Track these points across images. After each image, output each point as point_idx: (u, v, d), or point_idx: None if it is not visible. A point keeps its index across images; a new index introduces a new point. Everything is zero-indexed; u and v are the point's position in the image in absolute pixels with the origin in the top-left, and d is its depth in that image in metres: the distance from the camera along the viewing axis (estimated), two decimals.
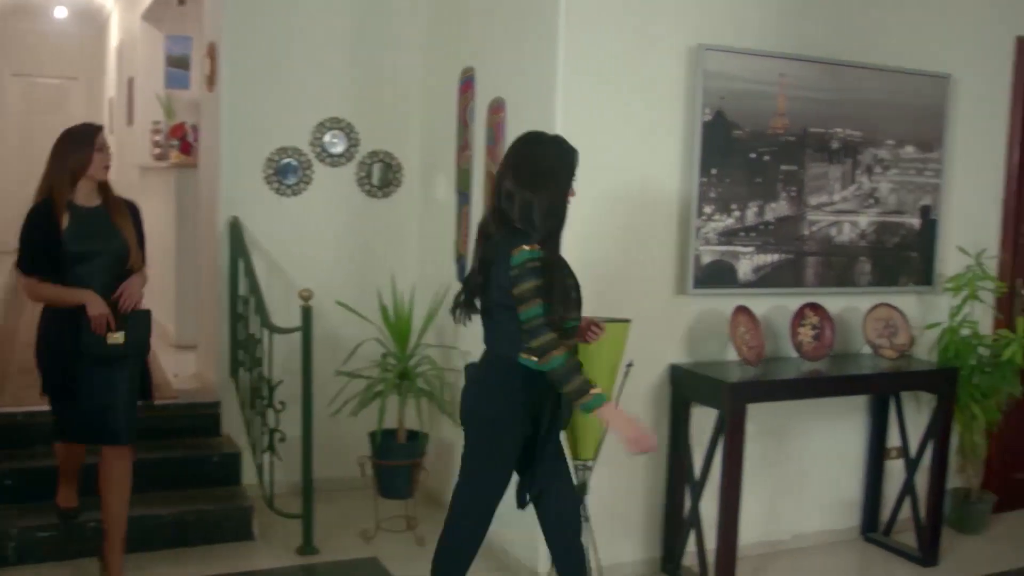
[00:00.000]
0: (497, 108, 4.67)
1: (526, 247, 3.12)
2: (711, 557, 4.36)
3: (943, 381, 4.78)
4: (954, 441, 5.16)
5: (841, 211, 4.82)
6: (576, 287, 3.35)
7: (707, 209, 4.44)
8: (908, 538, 5.03)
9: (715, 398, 4.28)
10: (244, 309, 5.15)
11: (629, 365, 4.01)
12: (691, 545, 4.52)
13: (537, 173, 3.21)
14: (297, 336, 4.62)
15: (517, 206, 3.19)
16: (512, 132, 4.52)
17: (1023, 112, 5.42)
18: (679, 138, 4.42)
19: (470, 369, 3.47)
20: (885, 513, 5.19)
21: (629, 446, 3.20)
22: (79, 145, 3.93)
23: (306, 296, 4.59)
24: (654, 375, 4.50)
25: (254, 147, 5.37)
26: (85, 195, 3.97)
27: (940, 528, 4.91)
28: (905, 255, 5.04)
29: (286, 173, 5.40)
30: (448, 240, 5.24)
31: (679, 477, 4.53)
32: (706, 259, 4.47)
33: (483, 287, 3.27)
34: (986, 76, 5.30)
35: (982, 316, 5.22)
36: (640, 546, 4.59)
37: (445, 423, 5.11)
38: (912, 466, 4.97)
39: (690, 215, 4.43)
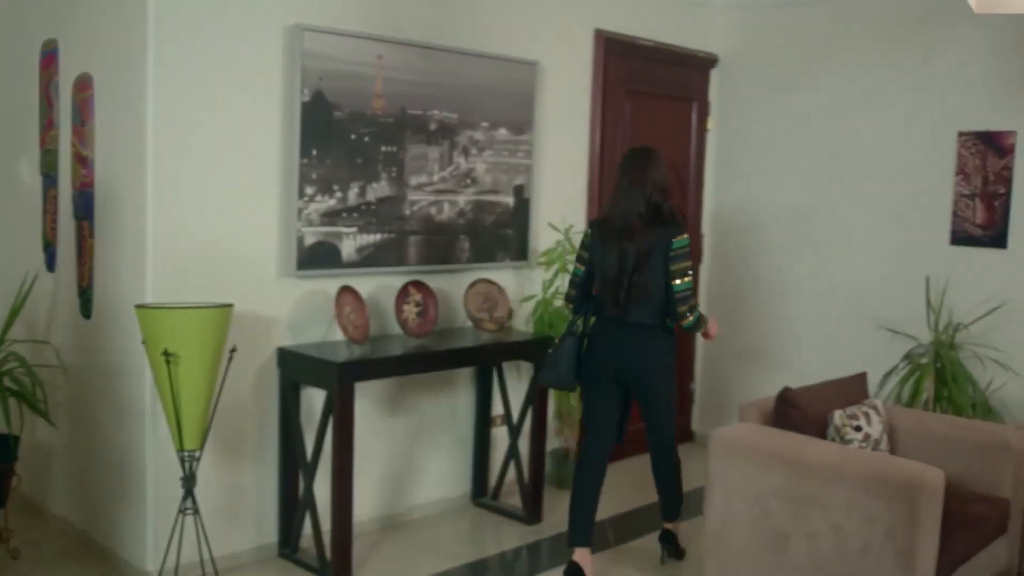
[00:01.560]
0: (84, 85, 4.39)
1: (683, 236, 4.19)
2: (328, 537, 4.38)
3: (539, 350, 5.08)
4: (552, 405, 5.52)
5: (440, 191, 4.98)
6: None
7: (309, 190, 4.42)
8: (515, 500, 5.31)
9: (323, 379, 4.29)
10: None
11: (232, 350, 3.93)
12: (308, 527, 4.51)
13: (667, 182, 4.34)
14: None
15: (666, 208, 4.24)
16: (102, 111, 4.28)
17: (603, 97, 5.87)
18: (278, 118, 4.37)
19: (620, 335, 4.30)
20: (493, 478, 5.45)
21: (712, 336, 4.50)
22: None
23: None
24: (261, 359, 4.43)
25: None
26: None
27: (542, 488, 5.23)
28: (502, 232, 5.31)
29: None
30: (33, 226, 4.86)
31: (291, 460, 4.51)
32: (309, 240, 4.45)
33: (642, 274, 4.16)
34: (570, 64, 5.69)
35: None
36: (255, 533, 4.52)
37: (40, 424, 4.74)
38: (515, 432, 5.25)
39: (292, 196, 4.40)
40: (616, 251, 4.21)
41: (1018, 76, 5.33)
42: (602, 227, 4.32)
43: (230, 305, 3.91)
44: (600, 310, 4.38)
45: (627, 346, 4.31)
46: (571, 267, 5.37)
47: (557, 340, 4.52)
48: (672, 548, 4.70)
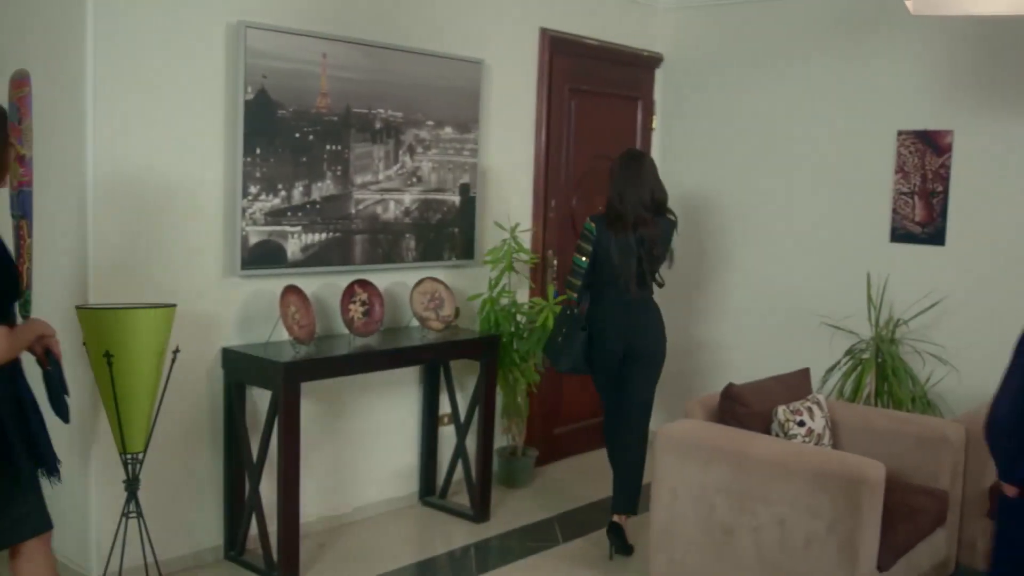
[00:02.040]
0: (20, 82, 4.31)
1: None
2: (274, 538, 4.35)
3: (486, 348, 5.09)
4: (499, 403, 5.53)
5: (386, 189, 4.96)
6: None
7: (253, 189, 4.39)
8: (463, 498, 5.31)
9: (269, 379, 4.26)
10: None
11: (176, 351, 3.89)
12: (254, 529, 4.47)
13: (659, 180, 4.80)
14: None
15: (664, 201, 4.73)
16: (40, 108, 4.21)
17: (548, 96, 5.89)
18: (221, 117, 4.33)
19: (632, 315, 4.74)
20: (441, 477, 5.45)
21: None
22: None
23: None
24: (205, 360, 4.39)
25: None
26: None
27: (490, 486, 5.23)
28: (448, 231, 5.30)
29: None
30: None
31: (237, 461, 4.47)
32: (254, 240, 4.42)
33: (654, 258, 4.68)
34: (516, 62, 5.70)
35: (518, 285, 5.62)
36: (201, 535, 4.48)
37: None
38: (462, 430, 5.25)
39: (236, 195, 4.36)
40: (633, 239, 4.62)
41: (953, 77, 5.43)
42: (611, 220, 4.66)
43: (173, 305, 3.88)
44: (605, 296, 4.74)
45: (643, 321, 4.77)
46: (517, 265, 5.41)
47: (563, 329, 4.77)
48: (620, 543, 4.73)
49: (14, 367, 2.96)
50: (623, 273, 4.65)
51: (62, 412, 3.14)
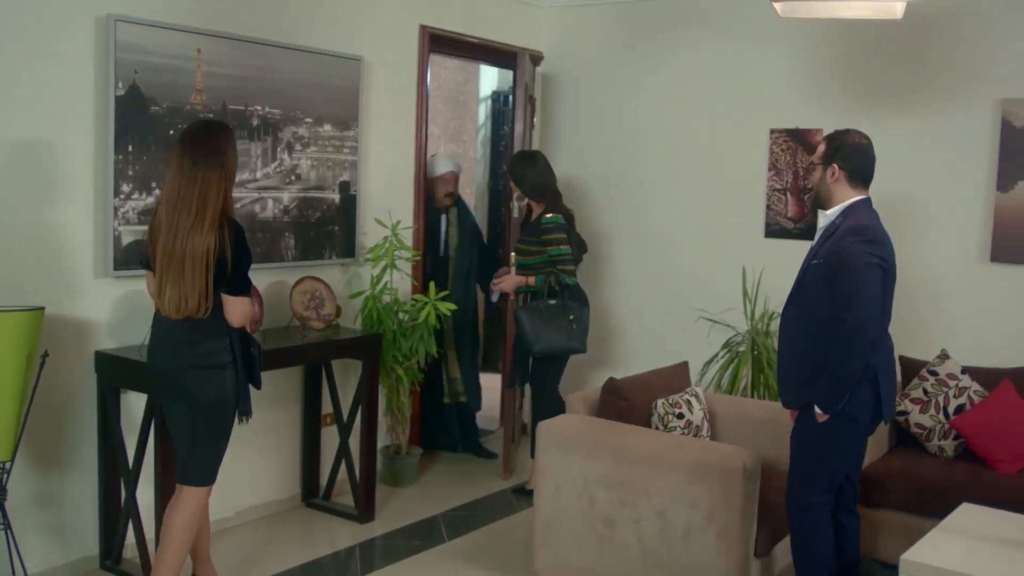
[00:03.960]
0: None
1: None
2: (152, 546, 4.24)
3: (368, 347, 5.06)
4: (382, 402, 5.50)
5: (264, 187, 4.89)
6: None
7: (126, 187, 4.27)
8: (347, 499, 5.27)
9: (145, 383, 4.15)
10: None
11: (45, 355, 3.76)
12: (131, 537, 4.36)
13: None
14: None
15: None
16: None
17: (429, 93, 5.87)
18: (91, 113, 4.20)
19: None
20: (324, 478, 5.40)
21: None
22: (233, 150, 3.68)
23: None
24: (77, 363, 4.26)
25: None
26: None
27: (374, 485, 5.20)
28: (328, 229, 5.25)
29: None
30: None
31: (112, 467, 4.34)
32: (127, 239, 4.30)
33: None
34: (396, 59, 5.67)
35: (400, 283, 5.59)
36: (75, 545, 4.34)
37: None
38: (345, 430, 5.21)
39: (107, 194, 4.23)
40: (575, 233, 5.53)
41: (820, 77, 5.61)
42: (565, 213, 5.45)
43: (41, 308, 3.75)
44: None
45: None
46: (399, 263, 5.39)
47: (578, 311, 5.37)
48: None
49: None
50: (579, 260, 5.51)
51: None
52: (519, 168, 5.49)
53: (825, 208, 3.80)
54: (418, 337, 5.29)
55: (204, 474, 3.78)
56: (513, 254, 5.72)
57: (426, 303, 5.29)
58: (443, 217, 6.25)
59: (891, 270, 3.63)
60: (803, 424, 3.74)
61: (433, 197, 6.11)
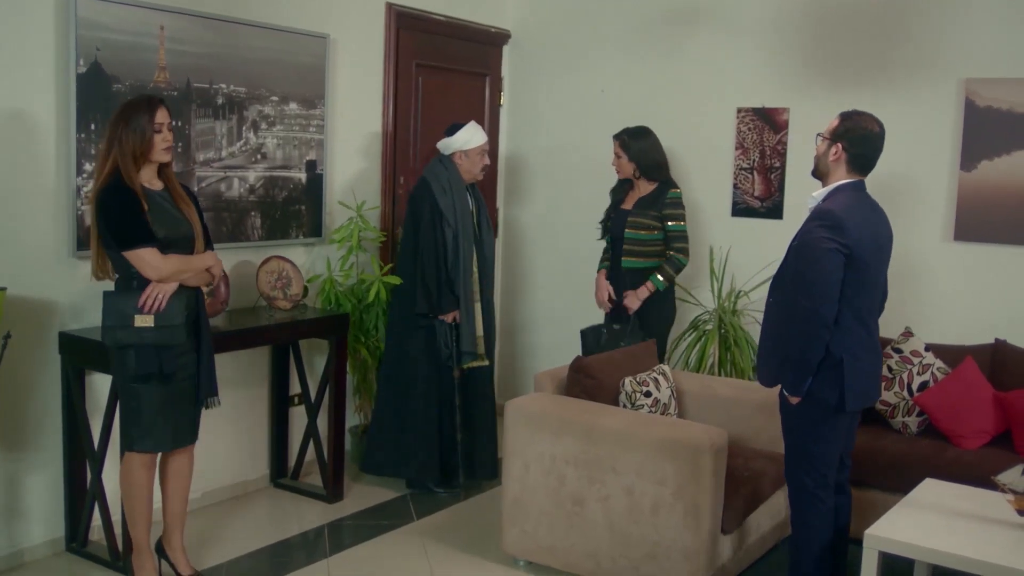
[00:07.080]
0: None
1: None
2: (119, 528, 4.22)
3: (335, 327, 5.03)
4: (350, 383, 5.48)
5: (230, 166, 4.85)
6: None
7: (88, 167, 4.22)
8: (315, 479, 5.26)
9: (109, 364, 4.11)
10: None
11: (7, 336, 3.72)
12: (97, 519, 4.34)
13: None
14: None
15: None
16: None
17: (395, 72, 5.84)
18: (52, 91, 4.14)
19: None
20: (293, 458, 5.38)
21: None
22: (138, 123, 3.63)
23: None
24: (41, 345, 4.21)
25: None
26: (148, 178, 3.74)
27: (343, 465, 5.20)
28: (294, 208, 5.22)
29: None
30: None
31: (77, 449, 4.31)
32: (90, 219, 4.25)
33: None
34: (361, 37, 5.62)
35: (366, 264, 5.55)
36: (41, 528, 4.32)
37: None
38: (313, 410, 5.19)
39: (69, 173, 4.18)
40: None
41: (788, 56, 5.62)
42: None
43: (3, 289, 3.70)
44: None
45: None
46: (365, 244, 5.37)
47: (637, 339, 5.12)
48: None
49: None
50: None
51: None
52: (637, 142, 5.33)
53: (823, 183, 3.74)
54: (373, 315, 5.27)
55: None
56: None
57: (373, 280, 5.25)
58: (468, 196, 5.30)
59: (861, 256, 3.55)
60: (782, 406, 3.78)
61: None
